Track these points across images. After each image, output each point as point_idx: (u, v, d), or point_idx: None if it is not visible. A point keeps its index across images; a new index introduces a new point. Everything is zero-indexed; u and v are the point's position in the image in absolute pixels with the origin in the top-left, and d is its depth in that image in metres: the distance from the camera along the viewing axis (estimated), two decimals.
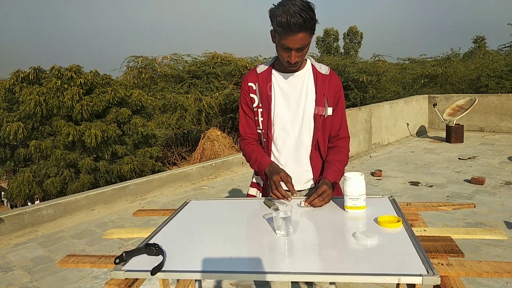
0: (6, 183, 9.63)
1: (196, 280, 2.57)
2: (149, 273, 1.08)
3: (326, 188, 1.52)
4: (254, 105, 1.69)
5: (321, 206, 1.52)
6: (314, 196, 1.50)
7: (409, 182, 5.07)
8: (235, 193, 5.02)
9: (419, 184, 4.96)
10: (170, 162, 11.01)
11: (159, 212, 1.75)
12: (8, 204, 9.89)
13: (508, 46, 15.20)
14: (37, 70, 8.21)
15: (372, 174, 5.51)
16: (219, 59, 12.81)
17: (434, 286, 1.03)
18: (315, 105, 1.64)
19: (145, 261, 1.16)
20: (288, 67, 1.57)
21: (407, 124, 8.41)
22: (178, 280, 1.75)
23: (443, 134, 8.16)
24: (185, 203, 1.70)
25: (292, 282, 2.14)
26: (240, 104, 1.75)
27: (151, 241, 1.29)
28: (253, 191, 1.79)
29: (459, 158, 6.19)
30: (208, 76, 12.22)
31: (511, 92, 10.53)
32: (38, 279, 3.03)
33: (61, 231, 4.05)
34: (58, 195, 7.25)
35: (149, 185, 5.19)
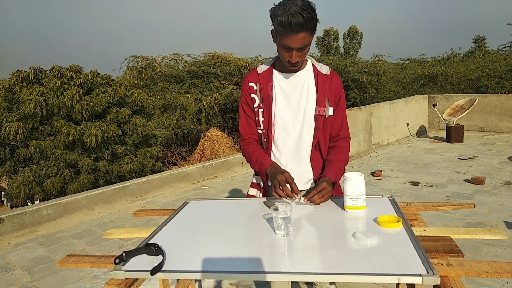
0: (6, 183, 9.63)
1: (196, 280, 2.57)
2: (149, 273, 1.08)
3: (326, 185, 1.52)
4: (255, 105, 1.69)
5: (320, 203, 1.52)
6: (313, 193, 1.50)
7: (409, 182, 5.07)
8: (235, 193, 5.02)
9: (419, 184, 4.96)
10: (170, 162, 11.01)
11: (159, 212, 1.75)
12: (8, 204, 9.90)
13: (508, 46, 15.21)
14: (37, 70, 8.21)
15: (372, 174, 5.51)
16: (219, 59, 12.81)
17: (434, 286, 1.03)
18: (316, 105, 1.64)
19: (145, 261, 1.16)
20: (289, 67, 1.57)
21: (407, 124, 8.41)
22: (178, 280, 1.75)
23: (443, 134, 8.16)
24: (185, 203, 1.70)
25: (292, 282, 2.14)
26: (241, 104, 1.75)
27: (151, 241, 1.29)
28: (253, 191, 1.79)
29: (459, 158, 6.19)
30: (208, 76, 12.22)
31: (511, 92, 10.53)
32: (38, 279, 3.03)
33: (61, 231, 4.05)
34: (58, 195, 7.25)
35: (149, 185, 5.20)
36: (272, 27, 1.51)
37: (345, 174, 1.47)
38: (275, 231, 1.29)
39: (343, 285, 2.59)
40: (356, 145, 6.96)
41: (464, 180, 5.00)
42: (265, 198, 1.71)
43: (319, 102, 1.64)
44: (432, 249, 1.19)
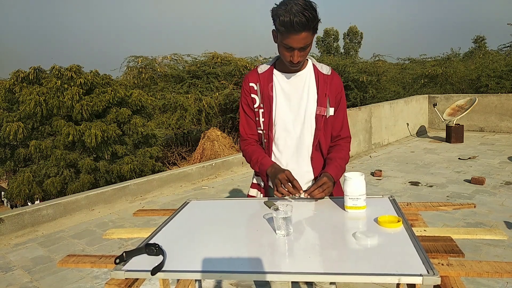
0: (6, 183, 9.63)
1: (196, 280, 2.57)
2: (149, 273, 1.08)
3: (327, 180, 1.52)
4: (255, 106, 1.69)
5: (321, 197, 1.52)
6: (314, 187, 1.50)
7: (409, 182, 5.07)
8: (235, 193, 5.02)
9: (419, 184, 4.96)
10: (170, 162, 11.01)
11: (159, 212, 1.75)
12: (8, 204, 9.90)
13: (508, 46, 15.22)
14: (37, 70, 8.21)
15: (372, 174, 5.51)
16: (219, 59, 12.81)
17: (434, 286, 1.03)
18: (317, 106, 1.64)
19: (145, 261, 1.16)
20: (291, 67, 1.57)
21: (407, 124, 8.41)
22: (178, 280, 1.75)
23: (443, 134, 8.16)
24: (185, 203, 1.70)
25: (292, 282, 2.14)
26: (241, 104, 1.74)
27: (151, 241, 1.29)
28: (253, 192, 1.79)
29: (459, 158, 6.19)
30: (208, 76, 12.22)
31: (511, 92, 10.53)
32: (38, 279, 3.03)
33: (61, 231, 4.05)
34: (58, 195, 7.25)
35: (149, 185, 5.20)
36: (273, 27, 1.51)
37: (345, 174, 1.47)
38: (275, 231, 1.29)
39: (343, 285, 2.59)
40: (356, 145, 6.96)
41: (464, 180, 5.00)
42: (266, 198, 1.71)
43: (320, 102, 1.64)
44: (432, 249, 1.19)
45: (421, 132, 8.74)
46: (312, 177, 1.71)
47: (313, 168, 1.70)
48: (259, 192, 1.77)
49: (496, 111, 8.22)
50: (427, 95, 9.23)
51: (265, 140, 1.71)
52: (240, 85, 9.43)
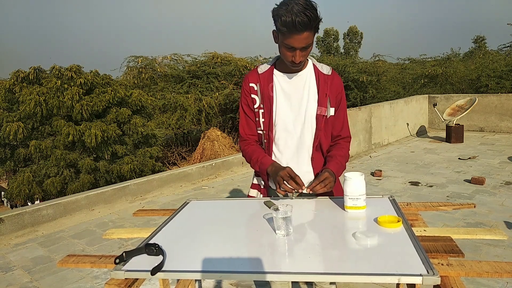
0: (6, 183, 9.63)
1: (196, 280, 2.57)
2: (149, 273, 1.08)
3: (328, 175, 1.51)
4: (255, 106, 1.68)
5: (323, 192, 1.51)
6: (316, 182, 1.50)
7: (409, 182, 5.07)
8: (235, 193, 5.02)
9: (419, 184, 4.96)
10: (170, 162, 11.01)
11: (159, 212, 1.75)
12: (8, 204, 9.90)
13: (508, 46, 15.21)
14: (37, 70, 8.21)
15: (372, 174, 5.51)
16: (219, 59, 12.81)
17: (434, 286, 1.03)
18: (317, 106, 1.64)
19: (145, 261, 1.16)
20: (292, 67, 1.57)
21: (407, 124, 8.41)
22: (178, 280, 1.75)
23: (443, 134, 8.16)
24: (185, 203, 1.70)
25: (292, 282, 2.14)
26: (241, 105, 1.74)
27: (151, 241, 1.29)
28: (253, 192, 1.79)
29: (459, 158, 6.19)
30: (208, 76, 12.23)
31: (511, 92, 10.53)
32: (38, 279, 3.03)
33: (61, 231, 4.05)
34: (58, 195, 7.25)
35: (149, 185, 5.20)
36: (274, 28, 1.51)
37: (345, 174, 1.47)
38: (275, 231, 1.29)
39: (343, 285, 2.59)
40: (356, 145, 6.96)
41: (464, 180, 5.00)
42: (266, 198, 1.71)
43: (320, 103, 1.64)
44: (432, 249, 1.19)
45: (421, 132, 8.74)
46: (312, 177, 1.71)
47: (313, 168, 1.70)
48: (259, 193, 1.77)
49: (496, 111, 8.22)
50: (427, 95, 9.23)
51: (265, 141, 1.71)
52: (240, 85, 9.43)
